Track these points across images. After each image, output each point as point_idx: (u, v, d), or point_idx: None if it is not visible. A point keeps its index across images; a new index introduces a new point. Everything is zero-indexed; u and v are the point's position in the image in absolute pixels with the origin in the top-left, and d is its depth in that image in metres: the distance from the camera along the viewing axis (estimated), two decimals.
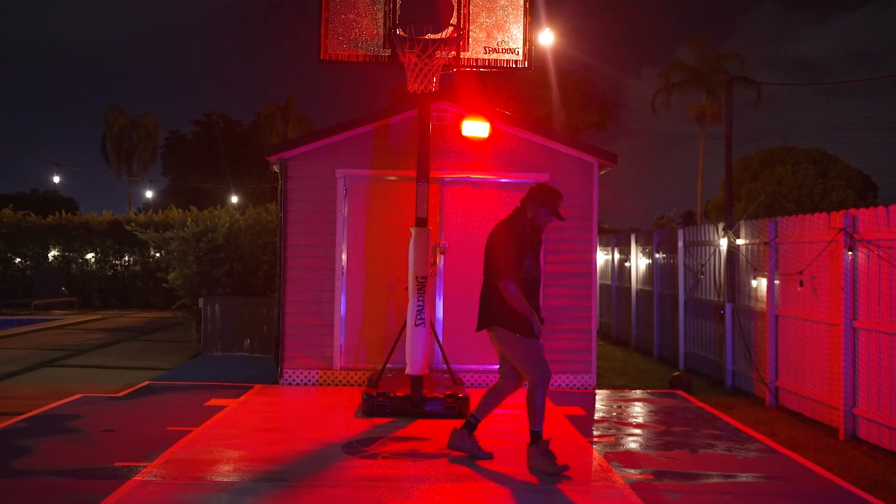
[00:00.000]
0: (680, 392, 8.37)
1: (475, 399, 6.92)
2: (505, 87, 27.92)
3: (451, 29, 7.21)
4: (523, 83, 29.09)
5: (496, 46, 7.48)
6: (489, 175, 8.51)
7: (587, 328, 8.44)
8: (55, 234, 18.85)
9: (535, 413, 5.22)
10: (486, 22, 7.49)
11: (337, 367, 8.39)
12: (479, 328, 5.50)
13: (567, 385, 8.38)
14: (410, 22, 7.13)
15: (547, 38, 15.44)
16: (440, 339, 8.08)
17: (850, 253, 6.52)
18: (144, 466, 5.16)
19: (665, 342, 11.24)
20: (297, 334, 8.40)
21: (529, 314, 5.21)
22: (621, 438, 6.27)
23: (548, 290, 8.35)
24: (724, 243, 9.03)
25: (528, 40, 7.54)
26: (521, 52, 7.51)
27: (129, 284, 18.94)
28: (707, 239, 9.69)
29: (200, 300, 10.66)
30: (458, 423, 5.97)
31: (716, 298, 9.37)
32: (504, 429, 6.35)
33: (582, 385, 8.41)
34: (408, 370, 6.91)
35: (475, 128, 8.07)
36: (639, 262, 12.61)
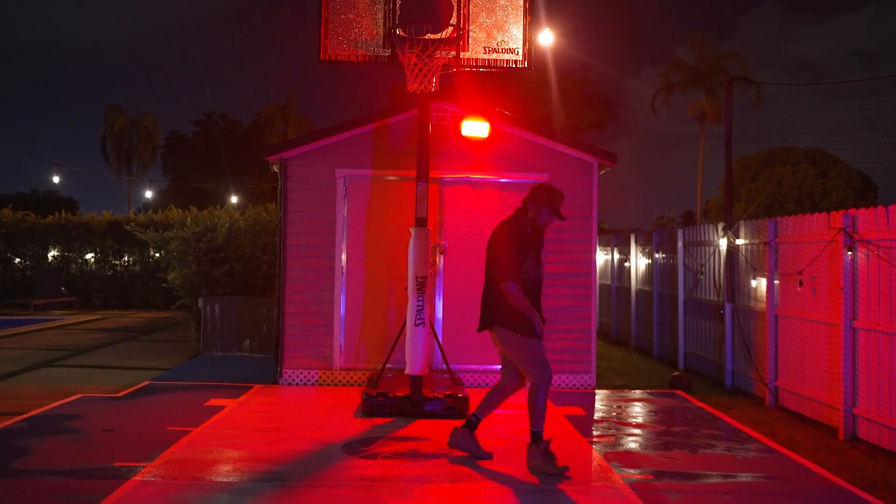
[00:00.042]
0: (679, 392, 8.37)
1: (475, 399, 6.92)
2: (505, 87, 27.90)
3: (450, 29, 7.21)
4: (523, 83, 29.09)
5: (496, 46, 7.48)
6: (489, 175, 8.51)
7: (587, 328, 8.45)
8: (55, 234, 18.85)
9: (537, 413, 5.22)
10: (486, 22, 7.49)
11: (337, 367, 8.39)
12: (480, 329, 5.50)
13: (567, 385, 8.38)
14: (410, 22, 7.13)
15: (547, 38, 15.46)
16: (440, 339, 8.08)
17: (849, 253, 6.52)
18: (144, 466, 5.16)
19: (665, 342, 11.24)
20: (296, 334, 8.40)
21: (531, 314, 5.21)
22: (621, 438, 6.27)
23: (547, 290, 8.31)
24: (723, 243, 9.04)
25: (528, 40, 7.54)
26: (520, 52, 7.51)
27: (128, 284, 18.94)
28: (707, 239, 9.69)
29: (200, 300, 10.66)
30: (458, 422, 5.97)
31: (715, 298, 9.38)
32: (504, 429, 6.35)
33: (582, 385, 8.42)
34: (407, 370, 6.91)
35: (475, 128, 8.07)
36: (638, 262, 12.62)
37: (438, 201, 8.47)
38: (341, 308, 8.41)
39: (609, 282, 14.43)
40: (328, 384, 8.35)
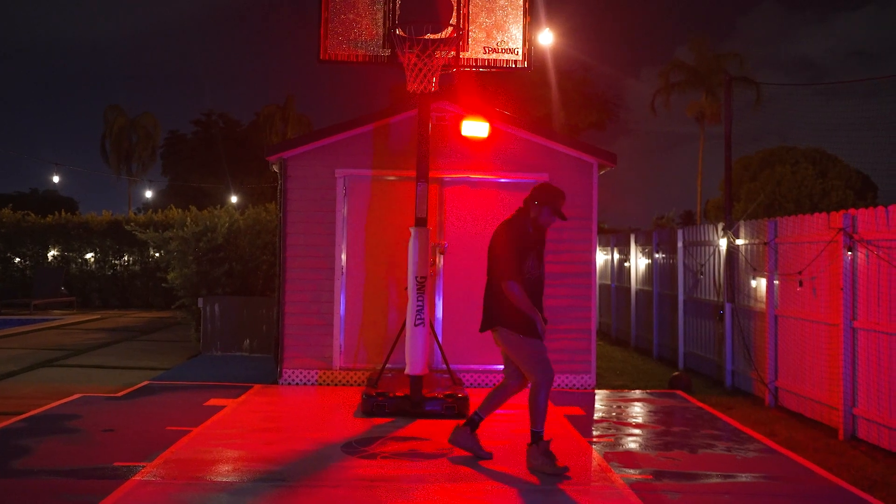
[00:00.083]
0: (679, 392, 8.37)
1: (474, 399, 6.92)
2: (504, 87, 27.92)
3: (450, 29, 7.21)
4: (523, 83, 29.10)
5: (496, 46, 7.48)
6: (489, 175, 8.51)
7: (587, 328, 8.44)
8: (55, 233, 18.84)
9: (537, 413, 5.22)
10: (486, 22, 7.48)
11: (336, 366, 8.39)
12: (482, 329, 5.50)
13: (566, 385, 8.38)
14: (410, 22, 7.13)
15: (546, 38, 15.44)
16: (440, 339, 8.08)
17: (849, 253, 6.52)
18: (144, 466, 5.16)
19: (664, 342, 11.25)
20: (296, 334, 8.39)
21: (533, 314, 5.21)
22: (621, 438, 6.27)
23: (547, 290, 8.26)
24: (723, 243, 9.04)
25: (528, 40, 7.54)
26: (520, 52, 7.51)
27: (128, 284, 18.94)
28: (706, 239, 9.69)
29: (200, 300, 10.66)
30: (458, 422, 5.97)
31: (715, 298, 9.38)
32: (504, 429, 6.35)
33: (581, 385, 8.41)
34: (407, 370, 6.90)
35: (475, 128, 8.07)
36: (638, 262, 12.62)
37: (438, 201, 8.47)
38: (341, 308, 8.41)
39: (609, 282, 14.43)
40: (328, 384, 8.35)
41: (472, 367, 8.36)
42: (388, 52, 7.36)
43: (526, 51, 7.53)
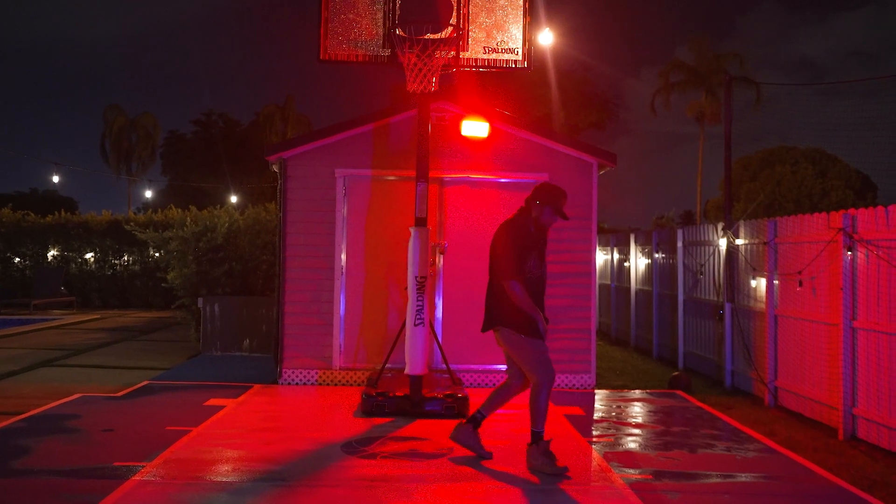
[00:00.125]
0: (679, 392, 8.37)
1: (474, 399, 6.93)
2: (504, 86, 27.93)
3: (450, 29, 7.21)
4: (523, 83, 29.11)
5: (495, 46, 7.48)
6: (489, 175, 8.51)
7: (586, 328, 8.44)
8: (54, 233, 18.84)
9: (538, 413, 5.23)
10: (486, 22, 7.48)
11: (336, 366, 8.39)
12: (484, 329, 5.50)
13: (566, 385, 8.38)
14: (410, 22, 7.13)
15: (546, 38, 15.45)
16: (439, 338, 8.08)
17: (849, 253, 6.52)
18: (143, 466, 5.16)
19: (664, 342, 11.25)
20: (296, 334, 8.39)
21: (535, 314, 5.21)
22: (620, 438, 6.27)
23: (547, 290, 8.26)
24: (723, 243, 9.04)
25: (528, 40, 7.54)
26: (520, 52, 7.51)
27: (128, 284, 18.93)
28: (706, 239, 9.69)
29: (200, 300, 10.66)
30: (458, 422, 5.96)
31: (715, 298, 9.38)
32: (504, 429, 6.35)
33: (581, 385, 8.41)
34: (407, 370, 6.90)
35: (474, 128, 8.07)
36: (638, 262, 12.62)
37: (438, 201, 8.47)
38: (341, 308, 8.41)
39: (609, 282, 14.43)
40: (328, 384, 8.35)
41: (472, 366, 8.36)
42: (388, 52, 7.36)
43: (526, 51, 7.52)
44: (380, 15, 7.38)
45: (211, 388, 8.09)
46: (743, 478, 5.22)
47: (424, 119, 7.16)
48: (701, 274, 9.85)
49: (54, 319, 15.33)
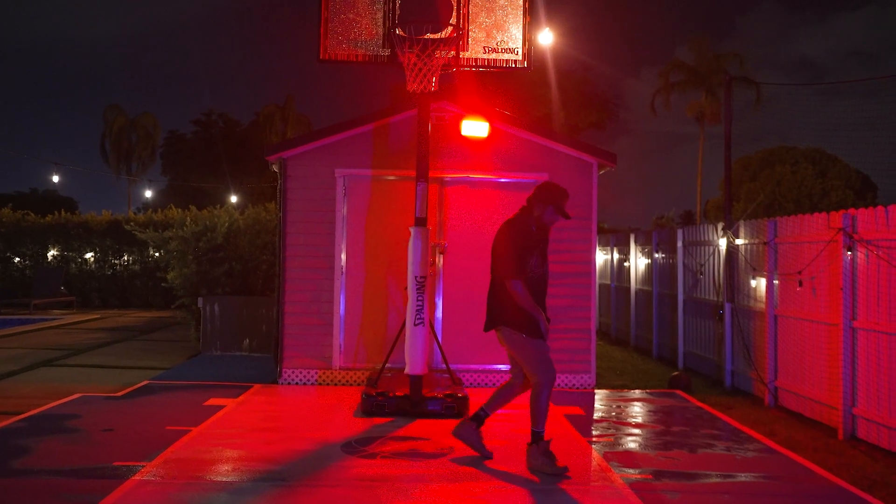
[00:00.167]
0: (679, 392, 8.37)
1: (474, 399, 6.93)
2: (504, 86, 27.93)
3: (450, 29, 7.21)
4: (522, 83, 29.11)
5: (495, 46, 7.48)
6: (488, 175, 8.51)
7: (586, 328, 8.44)
8: (54, 233, 18.84)
9: (538, 413, 5.22)
10: (486, 22, 7.48)
11: (336, 366, 8.39)
12: (486, 328, 5.50)
13: (566, 385, 8.37)
14: (410, 22, 7.13)
15: (546, 37, 15.44)
16: (439, 338, 8.08)
17: (849, 253, 6.52)
18: (143, 466, 5.16)
19: (664, 342, 11.25)
20: (296, 334, 8.39)
21: (537, 314, 5.21)
22: (620, 438, 6.27)
23: (548, 290, 8.34)
24: (723, 243, 9.04)
25: (528, 40, 7.54)
26: (520, 52, 7.51)
27: (128, 284, 18.93)
28: (706, 239, 9.69)
29: (199, 300, 10.66)
30: (458, 422, 5.97)
31: (715, 298, 9.38)
32: (504, 429, 6.35)
33: (581, 385, 8.41)
34: (407, 370, 6.90)
35: (474, 127, 8.07)
36: (638, 262, 12.62)
37: (438, 201, 8.47)
38: (341, 308, 8.41)
39: (609, 282, 14.43)
40: (328, 384, 8.35)
41: (472, 366, 8.36)
42: (387, 52, 7.36)
43: (526, 50, 7.52)
44: (380, 15, 7.38)
45: (211, 387, 8.09)
46: (743, 478, 5.22)
47: (424, 119, 7.16)
48: (701, 274, 9.86)
49: (54, 319, 15.34)
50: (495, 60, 7.50)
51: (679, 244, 10.41)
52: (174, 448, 5.63)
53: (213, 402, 7.33)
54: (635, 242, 12.71)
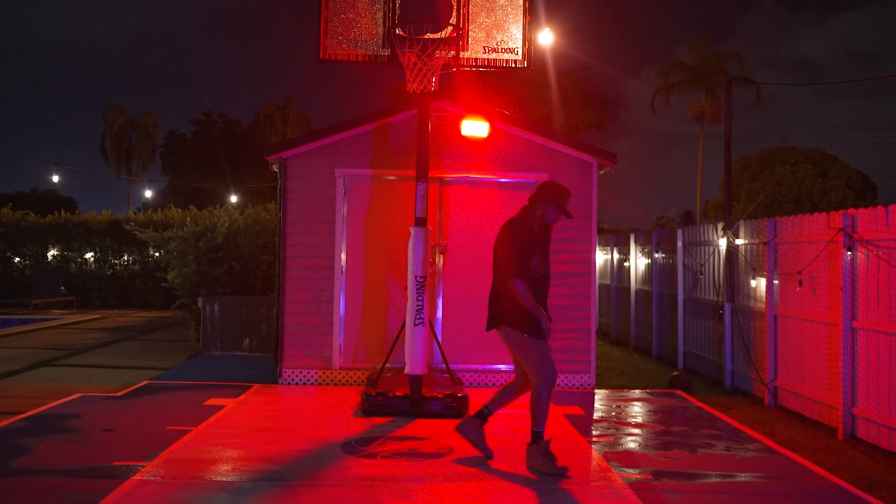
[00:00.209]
0: (679, 392, 8.37)
1: (474, 399, 6.93)
2: (504, 86, 27.92)
3: (450, 28, 7.21)
4: (522, 83, 29.11)
5: (495, 46, 7.48)
6: (488, 175, 8.51)
7: (586, 328, 8.44)
8: (54, 233, 18.84)
9: (539, 413, 5.22)
10: (486, 22, 7.48)
11: (336, 366, 8.39)
12: (488, 327, 5.51)
13: (566, 385, 8.37)
14: (410, 21, 7.13)
15: (546, 37, 15.44)
16: (439, 338, 8.08)
17: (849, 253, 6.52)
18: (143, 466, 5.16)
19: (664, 342, 11.24)
20: (296, 334, 8.39)
21: (539, 313, 5.21)
22: (620, 438, 6.27)
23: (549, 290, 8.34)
24: (723, 243, 9.04)
25: (528, 40, 7.54)
26: (520, 52, 7.51)
27: (128, 284, 18.94)
28: (706, 239, 9.69)
29: (199, 300, 10.66)
30: (457, 422, 5.96)
31: (715, 298, 9.38)
32: (504, 429, 6.35)
33: (581, 385, 8.41)
34: (407, 370, 6.90)
35: (474, 127, 8.06)
36: (638, 262, 12.61)
37: (438, 201, 8.47)
38: (341, 307, 8.41)
39: (608, 282, 14.43)
40: (327, 384, 8.35)
41: (472, 366, 8.36)
42: (387, 52, 7.36)
43: (526, 50, 7.53)
44: (380, 14, 7.39)
45: (211, 387, 8.09)
46: (742, 478, 5.22)
47: (424, 119, 7.16)
48: (701, 274, 9.85)
49: (54, 319, 15.34)
50: (495, 60, 7.50)
51: (679, 244, 10.41)
52: (174, 448, 5.63)
53: (212, 401, 7.33)
54: (635, 242, 12.70)
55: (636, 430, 6.58)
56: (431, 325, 7.65)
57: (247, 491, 4.75)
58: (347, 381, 8.35)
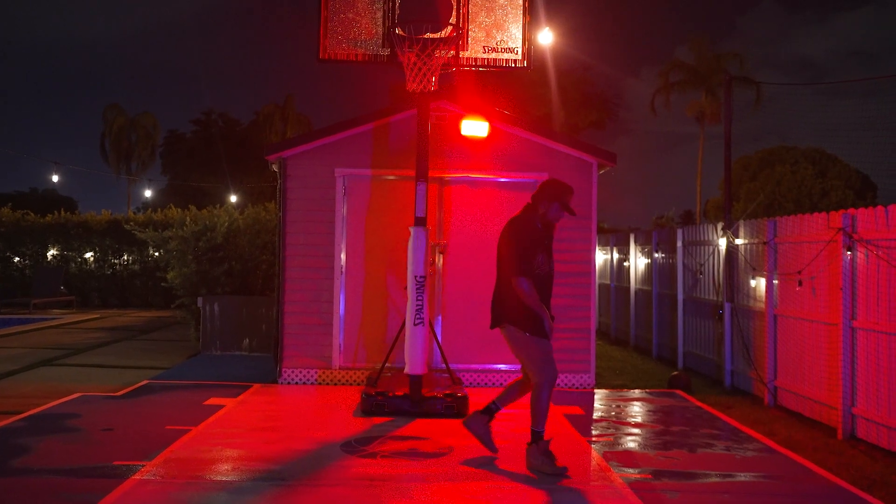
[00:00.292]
0: (679, 391, 8.37)
1: (474, 399, 6.94)
2: (504, 86, 27.93)
3: (450, 28, 7.21)
4: (522, 83, 29.13)
5: (495, 46, 7.48)
6: (488, 174, 8.51)
7: (586, 328, 8.44)
8: (54, 233, 18.84)
9: (539, 413, 5.22)
10: (486, 21, 7.48)
11: (336, 366, 8.39)
12: (492, 326, 5.51)
13: (566, 384, 8.37)
14: (409, 21, 7.13)
15: (546, 37, 15.42)
16: (439, 338, 8.08)
17: (848, 253, 6.52)
18: (143, 465, 5.16)
19: (664, 342, 11.25)
20: (296, 333, 8.39)
21: (541, 312, 5.21)
22: (620, 438, 6.28)
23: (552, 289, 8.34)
24: (723, 243, 9.04)
25: (528, 40, 7.54)
26: (520, 52, 7.51)
27: (127, 283, 18.94)
28: (706, 238, 9.70)
29: (199, 299, 10.66)
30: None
31: (715, 298, 9.38)
32: (504, 429, 6.35)
33: (581, 384, 8.42)
34: (407, 369, 6.91)
35: (474, 127, 8.06)
36: (638, 262, 12.62)
37: (438, 201, 8.47)
38: (341, 307, 8.41)
39: (608, 281, 14.43)
40: (327, 383, 8.35)
41: (472, 366, 8.36)
42: (387, 52, 7.36)
43: (525, 50, 7.52)
44: (379, 14, 7.38)
45: (210, 387, 8.09)
46: (742, 477, 5.22)
47: (424, 119, 7.16)
48: (700, 274, 9.86)
49: (54, 319, 15.34)
50: (495, 60, 7.50)
51: (679, 244, 10.41)
52: (174, 447, 5.64)
53: (212, 401, 7.33)
54: (635, 242, 12.71)
55: (636, 430, 6.58)
56: (431, 325, 7.66)
57: (247, 490, 4.75)
58: (347, 380, 8.35)
